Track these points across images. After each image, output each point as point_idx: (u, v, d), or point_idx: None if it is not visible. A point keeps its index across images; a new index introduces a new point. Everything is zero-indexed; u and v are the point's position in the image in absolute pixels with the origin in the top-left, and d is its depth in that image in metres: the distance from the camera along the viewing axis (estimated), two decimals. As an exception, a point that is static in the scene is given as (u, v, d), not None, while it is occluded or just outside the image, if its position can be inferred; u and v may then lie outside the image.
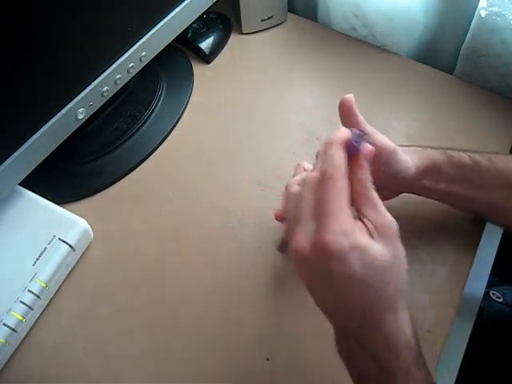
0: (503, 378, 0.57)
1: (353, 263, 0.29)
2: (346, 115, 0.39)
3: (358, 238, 0.30)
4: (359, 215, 0.32)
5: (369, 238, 0.31)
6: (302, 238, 0.31)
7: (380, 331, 0.31)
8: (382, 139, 0.41)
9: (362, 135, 0.34)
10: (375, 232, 0.31)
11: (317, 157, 0.45)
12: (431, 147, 0.45)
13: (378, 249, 0.30)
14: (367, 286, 0.30)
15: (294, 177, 0.46)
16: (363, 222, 0.32)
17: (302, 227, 0.32)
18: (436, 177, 0.44)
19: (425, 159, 0.43)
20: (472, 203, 0.46)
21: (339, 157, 0.32)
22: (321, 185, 0.31)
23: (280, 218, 0.44)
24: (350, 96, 0.39)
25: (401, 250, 0.32)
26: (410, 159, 0.42)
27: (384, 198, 0.46)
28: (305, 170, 0.46)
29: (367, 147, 0.33)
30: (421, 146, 0.45)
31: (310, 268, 0.32)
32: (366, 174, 0.33)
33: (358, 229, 0.30)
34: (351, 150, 0.33)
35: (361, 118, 0.40)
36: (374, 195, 0.32)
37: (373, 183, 0.33)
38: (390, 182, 0.43)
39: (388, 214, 0.32)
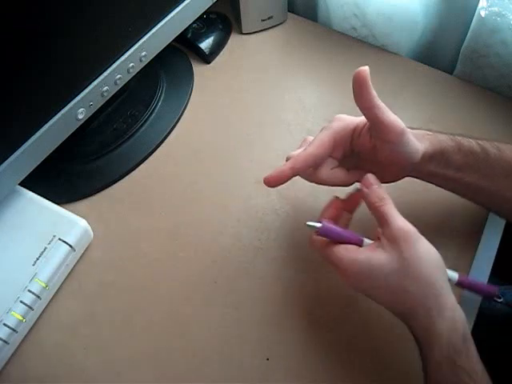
0: (503, 378, 0.57)
1: (358, 278, 0.37)
2: (360, 88, 0.40)
3: (362, 257, 0.37)
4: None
5: (374, 252, 0.37)
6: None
7: (413, 321, 0.37)
8: (392, 118, 0.40)
9: (322, 225, 0.40)
10: (385, 244, 0.37)
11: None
12: (442, 132, 0.44)
13: (381, 257, 0.37)
14: (380, 289, 0.37)
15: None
16: (377, 241, 0.39)
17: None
18: (444, 163, 0.43)
19: (434, 145, 0.43)
20: (478, 192, 0.46)
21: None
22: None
23: (268, 181, 0.44)
24: (366, 68, 0.39)
25: (413, 255, 0.36)
26: (419, 143, 0.42)
27: (387, 181, 0.46)
28: None
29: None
30: (431, 130, 0.44)
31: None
32: (374, 200, 0.39)
33: (361, 249, 0.38)
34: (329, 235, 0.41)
35: (373, 92, 0.40)
36: (385, 211, 0.38)
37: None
38: (396, 161, 0.42)
39: (397, 224, 0.37)
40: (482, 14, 0.57)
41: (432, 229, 0.51)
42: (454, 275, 0.42)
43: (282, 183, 0.43)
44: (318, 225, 0.40)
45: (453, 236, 0.50)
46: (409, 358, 0.43)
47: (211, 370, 0.44)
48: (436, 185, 0.47)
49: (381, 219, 0.38)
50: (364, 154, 0.44)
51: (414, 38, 0.65)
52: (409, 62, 0.66)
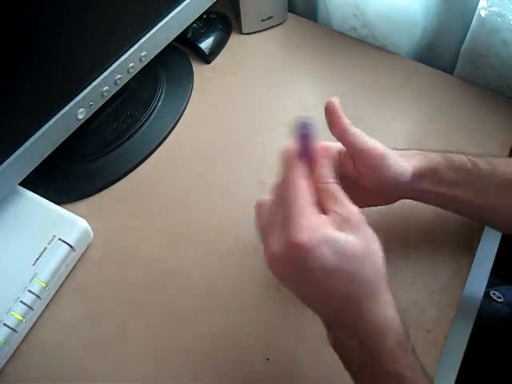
0: (503, 378, 0.57)
1: (325, 255, 0.31)
2: (331, 116, 0.39)
3: (326, 230, 0.32)
4: (325, 210, 0.34)
5: (336, 230, 0.32)
6: (273, 243, 0.33)
7: (362, 317, 0.33)
8: (369, 143, 0.39)
9: (311, 124, 0.35)
10: (342, 223, 0.33)
11: None
12: (432, 150, 0.44)
13: (347, 239, 0.32)
14: (343, 275, 0.32)
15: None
16: (330, 216, 0.33)
17: (271, 234, 0.34)
18: (436, 180, 0.43)
19: (424, 162, 0.42)
20: (471, 208, 0.46)
21: (292, 161, 0.35)
22: (282, 190, 0.34)
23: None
24: (335, 99, 0.39)
25: (370, 238, 0.33)
26: (407, 163, 0.41)
27: (381, 204, 0.46)
28: None
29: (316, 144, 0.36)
30: (421, 149, 0.44)
31: (286, 269, 0.33)
32: (323, 170, 0.35)
33: (324, 222, 0.32)
34: (303, 142, 0.35)
35: (346, 120, 0.39)
36: (335, 188, 0.35)
37: (337, 178, 0.36)
38: (384, 186, 0.41)
39: (352, 205, 0.34)
40: (482, 14, 0.57)
41: (432, 229, 0.51)
42: None
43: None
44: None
45: (453, 236, 0.50)
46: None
47: (211, 370, 0.44)
48: (432, 205, 0.46)
49: (330, 194, 0.34)
50: (352, 180, 0.42)
51: (414, 38, 0.65)
52: (409, 62, 0.66)
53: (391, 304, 0.34)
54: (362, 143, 0.39)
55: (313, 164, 0.36)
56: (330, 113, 0.39)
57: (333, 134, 0.40)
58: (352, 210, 0.33)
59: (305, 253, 0.31)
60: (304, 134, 0.36)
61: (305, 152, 0.36)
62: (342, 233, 0.32)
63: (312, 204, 0.33)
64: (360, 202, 0.44)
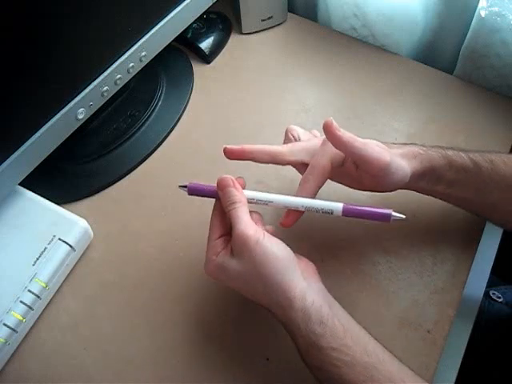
0: (503, 378, 0.57)
1: (222, 278, 0.40)
2: (332, 136, 0.40)
3: (217, 260, 0.39)
4: None
5: (227, 256, 0.39)
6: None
7: (278, 318, 0.39)
8: (375, 153, 0.40)
9: (185, 186, 0.43)
10: (233, 248, 0.39)
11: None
12: (433, 146, 0.44)
13: (230, 263, 0.39)
14: (245, 288, 0.39)
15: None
16: (230, 242, 0.40)
17: None
18: (434, 180, 0.43)
19: (424, 164, 0.42)
20: (470, 204, 0.46)
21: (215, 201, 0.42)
22: None
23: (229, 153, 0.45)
24: (330, 119, 0.40)
25: (254, 257, 0.37)
26: (407, 166, 0.42)
27: (378, 192, 0.46)
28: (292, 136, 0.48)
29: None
30: (423, 145, 0.44)
31: None
32: (223, 201, 0.41)
33: (221, 252, 0.40)
34: (198, 194, 0.43)
35: (346, 136, 0.40)
36: (232, 214, 0.39)
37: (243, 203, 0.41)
38: (384, 186, 0.43)
39: (238, 229, 0.38)
40: (482, 14, 0.57)
41: (432, 229, 0.51)
42: (338, 207, 0.41)
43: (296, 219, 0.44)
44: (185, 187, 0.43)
45: (453, 236, 0.50)
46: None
47: (211, 370, 0.44)
48: (429, 196, 0.47)
49: (232, 224, 0.39)
50: (351, 178, 0.44)
51: (413, 38, 0.66)
52: (409, 61, 0.66)
53: (299, 308, 0.37)
54: (366, 156, 0.40)
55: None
56: (328, 134, 0.41)
57: (337, 149, 0.42)
58: (237, 233, 0.38)
59: (212, 277, 0.40)
60: (191, 193, 0.43)
61: (209, 196, 0.42)
62: (232, 258, 0.39)
63: (218, 236, 0.41)
64: (359, 189, 0.46)
